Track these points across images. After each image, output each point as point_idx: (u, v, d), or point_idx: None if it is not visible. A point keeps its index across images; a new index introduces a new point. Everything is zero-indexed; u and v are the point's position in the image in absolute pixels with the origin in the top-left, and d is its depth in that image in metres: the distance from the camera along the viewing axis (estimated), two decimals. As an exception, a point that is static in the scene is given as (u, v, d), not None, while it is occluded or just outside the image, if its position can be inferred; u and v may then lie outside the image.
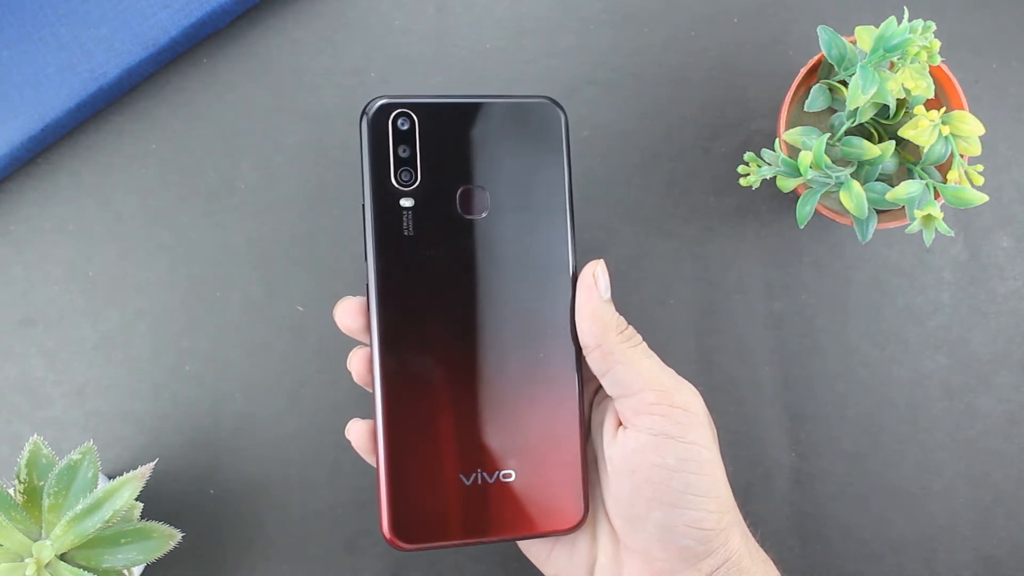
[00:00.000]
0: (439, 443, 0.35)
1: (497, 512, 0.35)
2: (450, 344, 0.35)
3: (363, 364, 0.35)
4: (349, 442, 0.36)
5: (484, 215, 0.35)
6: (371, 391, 0.35)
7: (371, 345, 0.35)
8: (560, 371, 0.35)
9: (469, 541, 0.35)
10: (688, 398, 0.35)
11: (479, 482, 0.35)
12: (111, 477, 0.44)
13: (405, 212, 0.35)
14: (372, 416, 0.35)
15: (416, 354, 0.35)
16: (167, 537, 0.38)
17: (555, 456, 0.35)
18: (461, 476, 0.35)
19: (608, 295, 0.35)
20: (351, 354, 0.35)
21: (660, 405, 0.34)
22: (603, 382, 0.35)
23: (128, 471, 0.37)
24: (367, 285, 0.35)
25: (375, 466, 0.35)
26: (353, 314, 0.35)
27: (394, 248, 0.34)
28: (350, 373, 0.35)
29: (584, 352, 0.35)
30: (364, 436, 0.35)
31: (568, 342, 0.35)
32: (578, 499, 0.35)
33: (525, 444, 0.35)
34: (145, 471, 0.37)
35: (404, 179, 0.35)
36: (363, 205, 0.35)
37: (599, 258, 0.36)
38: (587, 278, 0.35)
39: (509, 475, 0.35)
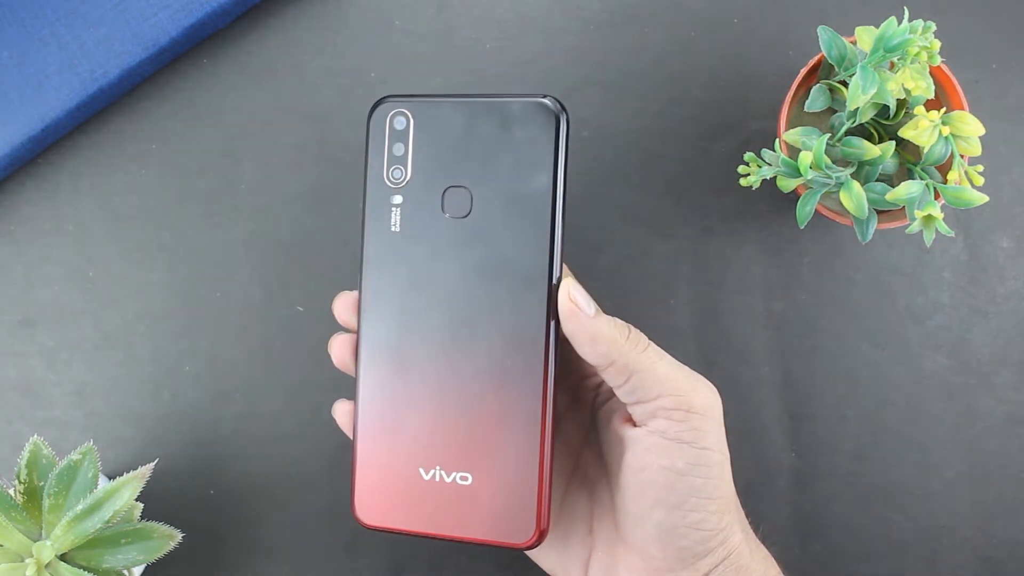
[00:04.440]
0: (404, 434, 0.35)
1: (451, 511, 0.35)
2: (425, 342, 0.35)
3: (342, 349, 0.37)
4: (335, 420, 0.38)
5: (465, 216, 0.35)
6: (352, 375, 0.37)
7: (357, 334, 0.36)
8: (525, 385, 0.34)
9: (423, 533, 0.35)
10: (705, 400, 0.34)
11: (436, 479, 0.35)
12: (111, 477, 0.44)
13: (394, 209, 0.36)
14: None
15: (393, 347, 0.36)
16: (167, 537, 0.38)
17: (513, 471, 0.35)
18: (420, 469, 0.35)
19: (593, 309, 0.34)
20: (332, 339, 0.37)
21: (678, 411, 0.33)
22: (618, 393, 0.35)
23: (128, 471, 0.37)
24: (358, 278, 0.36)
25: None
26: (351, 308, 0.37)
27: (382, 243, 0.36)
28: (330, 356, 0.37)
29: (598, 370, 0.34)
30: (349, 417, 0.37)
31: (537, 354, 0.34)
32: (530, 520, 0.34)
33: (484, 451, 0.35)
34: (145, 471, 0.37)
35: (395, 177, 0.36)
36: (362, 200, 0.36)
37: (567, 275, 0.35)
38: (565, 304, 0.34)
39: (466, 478, 0.35)
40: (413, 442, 0.35)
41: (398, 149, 0.36)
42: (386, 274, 0.36)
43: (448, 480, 0.35)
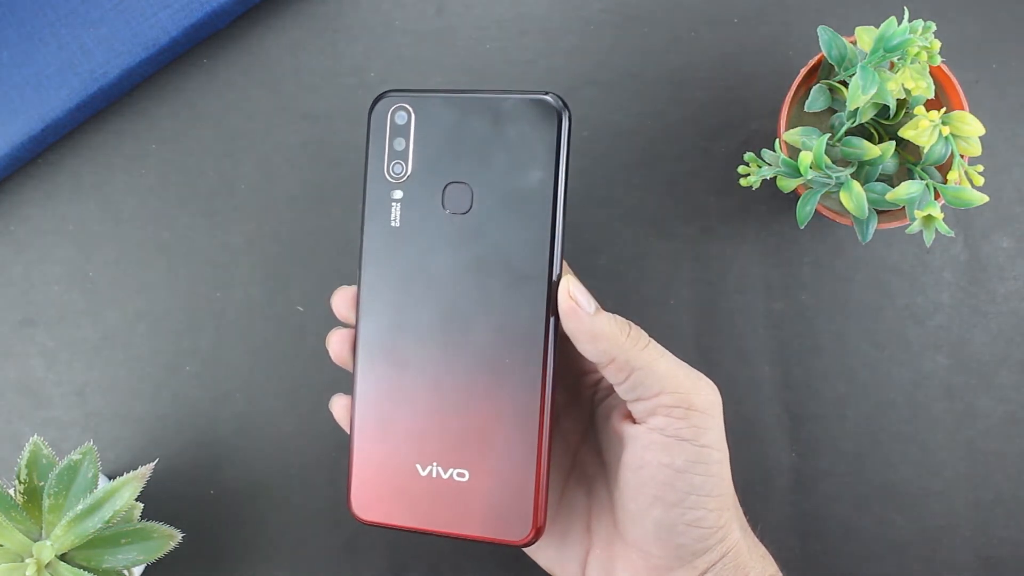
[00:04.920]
0: (401, 430, 0.35)
1: (447, 508, 0.35)
2: (423, 338, 0.35)
3: (340, 344, 0.37)
4: (332, 414, 0.38)
5: (466, 212, 0.35)
6: (349, 370, 0.37)
7: (355, 329, 0.36)
8: (524, 383, 0.34)
9: (420, 529, 0.35)
10: (706, 398, 0.34)
11: (433, 475, 0.35)
12: (111, 477, 0.44)
13: (394, 204, 0.36)
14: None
15: (391, 343, 0.36)
16: (167, 537, 0.38)
17: (510, 468, 0.35)
18: (417, 465, 0.35)
19: (593, 307, 0.34)
20: (330, 333, 0.37)
21: (678, 408, 0.33)
22: (619, 390, 0.35)
23: (128, 471, 0.37)
24: (357, 273, 0.36)
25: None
26: (349, 304, 0.37)
27: (382, 238, 0.36)
28: (324, 339, 0.37)
29: (599, 367, 0.34)
30: (346, 411, 0.37)
31: (536, 351, 0.34)
32: (526, 517, 0.34)
33: (481, 448, 0.35)
34: (145, 471, 0.37)
35: (396, 172, 0.36)
36: (362, 194, 0.36)
37: (567, 272, 0.35)
38: (565, 301, 0.34)
39: (463, 475, 0.35)
40: (410, 438, 0.35)
41: (399, 144, 0.36)
42: (385, 269, 0.36)
43: (445, 476, 0.35)
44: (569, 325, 0.34)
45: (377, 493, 0.36)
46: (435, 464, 0.35)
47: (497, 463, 0.35)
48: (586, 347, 0.34)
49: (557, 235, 0.34)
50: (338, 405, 0.37)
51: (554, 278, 0.34)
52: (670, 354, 0.35)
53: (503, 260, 0.35)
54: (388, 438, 0.36)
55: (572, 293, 0.34)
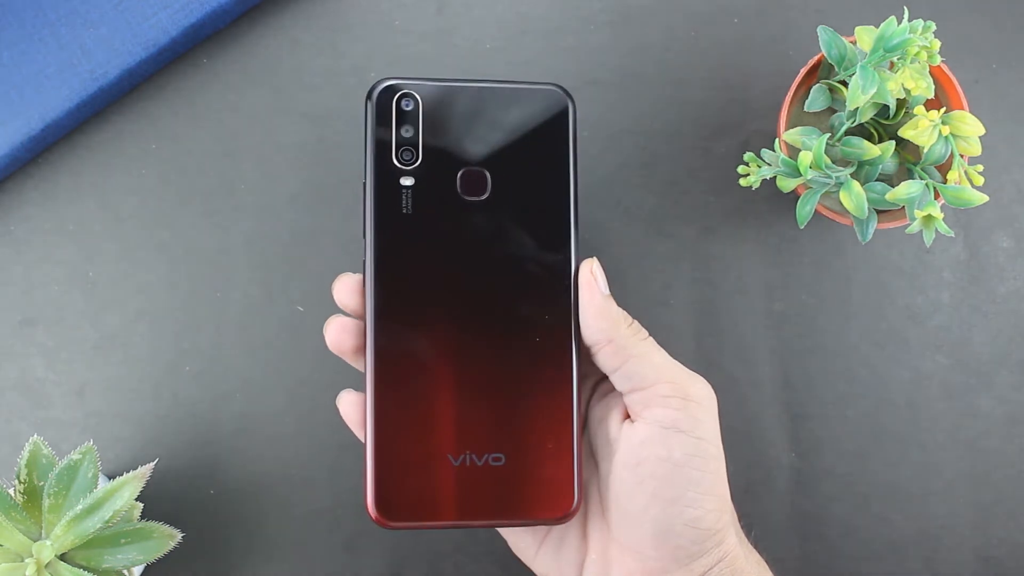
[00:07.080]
0: (428, 422, 0.34)
1: (485, 496, 0.34)
2: (444, 323, 0.35)
3: (339, 332, 0.35)
4: (339, 411, 0.36)
5: (484, 197, 0.35)
6: (345, 360, 0.35)
7: (365, 320, 0.35)
8: (556, 358, 0.35)
9: (456, 523, 0.34)
10: (701, 390, 0.35)
11: (467, 463, 0.34)
12: (111, 477, 0.44)
13: (405, 190, 0.35)
14: (363, 390, 0.35)
15: (409, 331, 0.35)
16: (167, 537, 0.38)
17: (548, 443, 0.35)
18: (449, 456, 0.34)
19: (607, 290, 0.35)
20: (328, 320, 0.35)
21: (674, 398, 0.34)
22: (613, 378, 0.35)
23: (128, 471, 0.37)
24: (363, 262, 0.35)
25: (363, 441, 0.35)
26: (351, 292, 0.35)
27: (392, 225, 0.35)
28: (324, 338, 0.35)
29: (594, 349, 0.35)
30: (354, 408, 0.35)
31: (566, 330, 0.35)
32: (569, 488, 0.35)
33: (517, 429, 0.35)
34: (145, 471, 0.37)
35: (406, 158, 0.35)
36: (363, 183, 0.35)
37: (592, 256, 0.36)
38: (586, 275, 0.35)
39: (499, 459, 0.34)
40: (439, 429, 0.34)
41: (407, 131, 0.35)
42: (397, 256, 0.35)
43: (480, 463, 0.34)
44: (583, 296, 0.35)
45: (406, 494, 0.34)
46: (468, 452, 0.34)
47: (534, 441, 0.35)
48: (590, 322, 0.35)
49: (573, 217, 0.35)
50: (346, 402, 0.35)
51: (575, 258, 0.35)
52: (666, 352, 0.35)
53: (525, 242, 0.35)
54: (414, 433, 0.34)
55: (594, 271, 0.35)
